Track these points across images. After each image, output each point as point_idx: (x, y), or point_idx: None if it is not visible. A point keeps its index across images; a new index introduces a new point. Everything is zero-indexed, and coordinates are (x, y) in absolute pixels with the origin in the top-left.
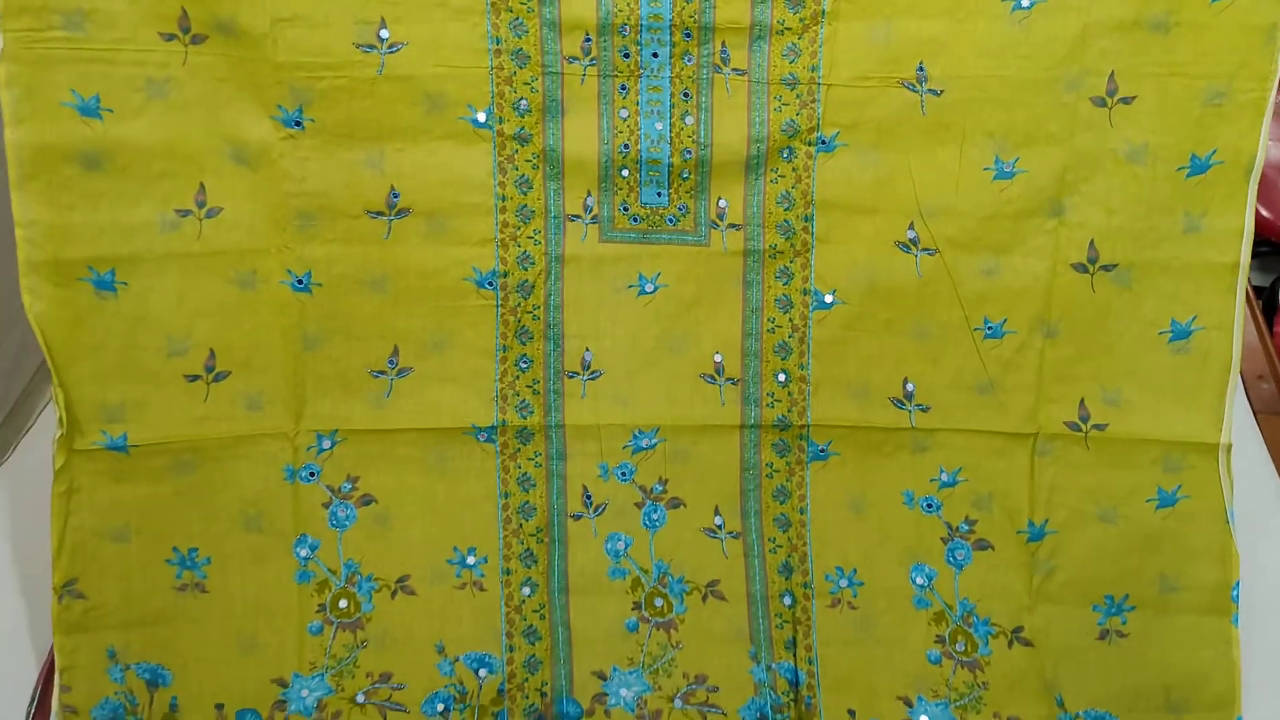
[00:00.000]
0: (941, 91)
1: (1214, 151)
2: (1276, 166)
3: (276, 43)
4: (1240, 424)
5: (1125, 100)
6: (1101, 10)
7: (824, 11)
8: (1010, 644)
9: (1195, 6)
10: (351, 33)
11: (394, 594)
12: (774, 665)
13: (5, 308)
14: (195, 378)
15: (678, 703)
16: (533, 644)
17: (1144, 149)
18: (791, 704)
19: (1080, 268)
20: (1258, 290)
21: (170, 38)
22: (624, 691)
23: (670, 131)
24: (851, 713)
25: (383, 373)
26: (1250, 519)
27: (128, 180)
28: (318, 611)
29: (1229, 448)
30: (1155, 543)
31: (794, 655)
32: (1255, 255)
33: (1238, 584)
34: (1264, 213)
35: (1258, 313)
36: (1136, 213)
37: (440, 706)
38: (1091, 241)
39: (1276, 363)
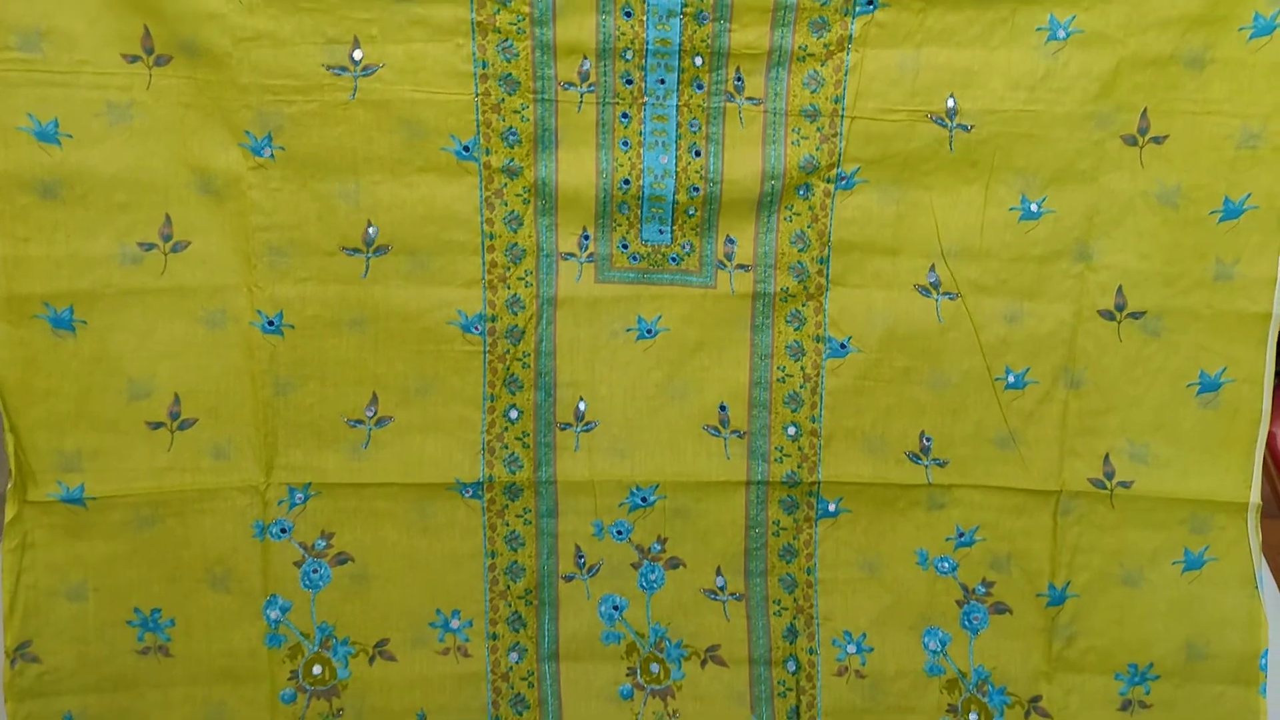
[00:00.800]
0: (972, 127)
1: (1248, 195)
2: None
3: (241, 63)
4: None
5: (1157, 139)
6: (1137, 43)
7: (851, 36)
8: (1027, 714)
9: (1232, 43)
10: (321, 53)
11: (372, 660)
12: None
13: None
14: (159, 425)
15: None
16: (520, 714)
17: (1176, 190)
18: None
19: (1107, 314)
20: None
21: (133, 59)
22: None
23: (676, 165)
24: None
25: (360, 422)
26: None
27: (88, 210)
28: (290, 679)
29: (1259, 508)
30: (1182, 608)
31: None
32: None
33: (1265, 652)
34: None
35: None
36: (1167, 258)
37: None
38: (1120, 287)
39: (1270, 466)
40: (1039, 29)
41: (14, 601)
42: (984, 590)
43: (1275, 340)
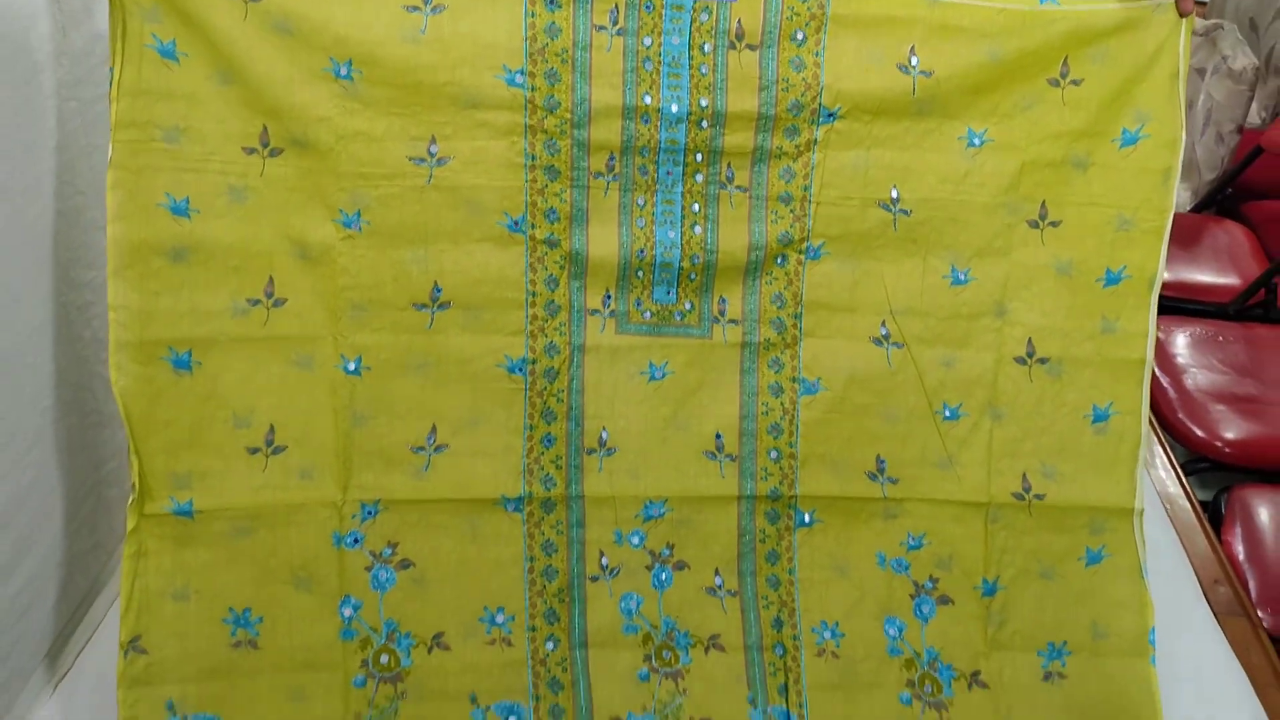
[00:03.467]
0: (911, 211)
1: (1124, 267)
2: (1208, 391)
3: (340, 155)
4: (1202, 627)
5: (1054, 224)
6: (1036, 150)
7: (816, 140)
8: (970, 686)
9: (1108, 151)
10: (405, 148)
11: (430, 650)
12: (769, 708)
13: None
14: (256, 450)
15: None
16: (556, 693)
17: (1070, 264)
18: None
19: (1020, 361)
20: (1204, 504)
21: (251, 151)
22: None
23: (681, 239)
24: None
25: (422, 448)
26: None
27: (208, 271)
28: (361, 667)
29: (1141, 512)
30: (1086, 595)
31: (786, 699)
32: (1195, 472)
33: (1153, 630)
34: (1199, 432)
35: (1206, 524)
36: (1064, 315)
37: None
38: (1029, 339)
39: (1228, 568)
40: (960, 138)
41: (129, 601)
42: (931, 585)
43: (1149, 379)
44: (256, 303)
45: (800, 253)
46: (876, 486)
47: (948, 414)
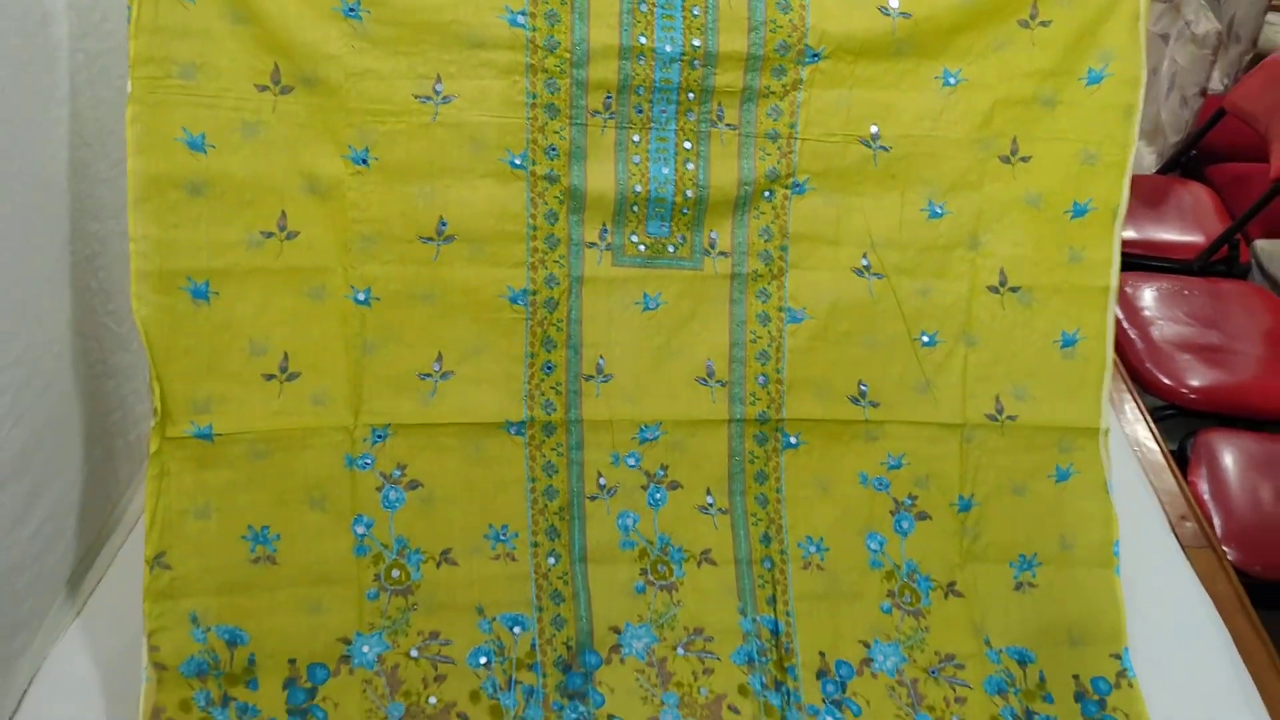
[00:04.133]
0: (889, 148)
1: (1090, 200)
2: (1174, 341)
3: (349, 93)
4: (1171, 559)
5: (1024, 159)
6: (1007, 88)
7: (801, 80)
8: (946, 596)
9: (1074, 90)
10: (412, 86)
11: (439, 565)
12: (758, 618)
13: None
14: (271, 377)
15: (680, 651)
16: (558, 605)
17: (1039, 197)
18: (773, 648)
19: (993, 289)
20: (1173, 451)
21: (263, 88)
22: (635, 643)
23: (675, 175)
24: (822, 654)
25: (429, 375)
26: (1189, 642)
27: (223, 205)
28: (374, 580)
29: (1107, 431)
30: (1055, 510)
31: (774, 609)
32: (1163, 418)
33: (1117, 542)
34: (1166, 381)
35: (1173, 465)
36: (1034, 246)
37: (483, 659)
38: (1001, 269)
39: (1195, 506)
40: (936, 77)
41: (153, 519)
42: (910, 502)
43: (1114, 306)
44: (270, 235)
45: (786, 188)
46: (858, 410)
47: (925, 340)
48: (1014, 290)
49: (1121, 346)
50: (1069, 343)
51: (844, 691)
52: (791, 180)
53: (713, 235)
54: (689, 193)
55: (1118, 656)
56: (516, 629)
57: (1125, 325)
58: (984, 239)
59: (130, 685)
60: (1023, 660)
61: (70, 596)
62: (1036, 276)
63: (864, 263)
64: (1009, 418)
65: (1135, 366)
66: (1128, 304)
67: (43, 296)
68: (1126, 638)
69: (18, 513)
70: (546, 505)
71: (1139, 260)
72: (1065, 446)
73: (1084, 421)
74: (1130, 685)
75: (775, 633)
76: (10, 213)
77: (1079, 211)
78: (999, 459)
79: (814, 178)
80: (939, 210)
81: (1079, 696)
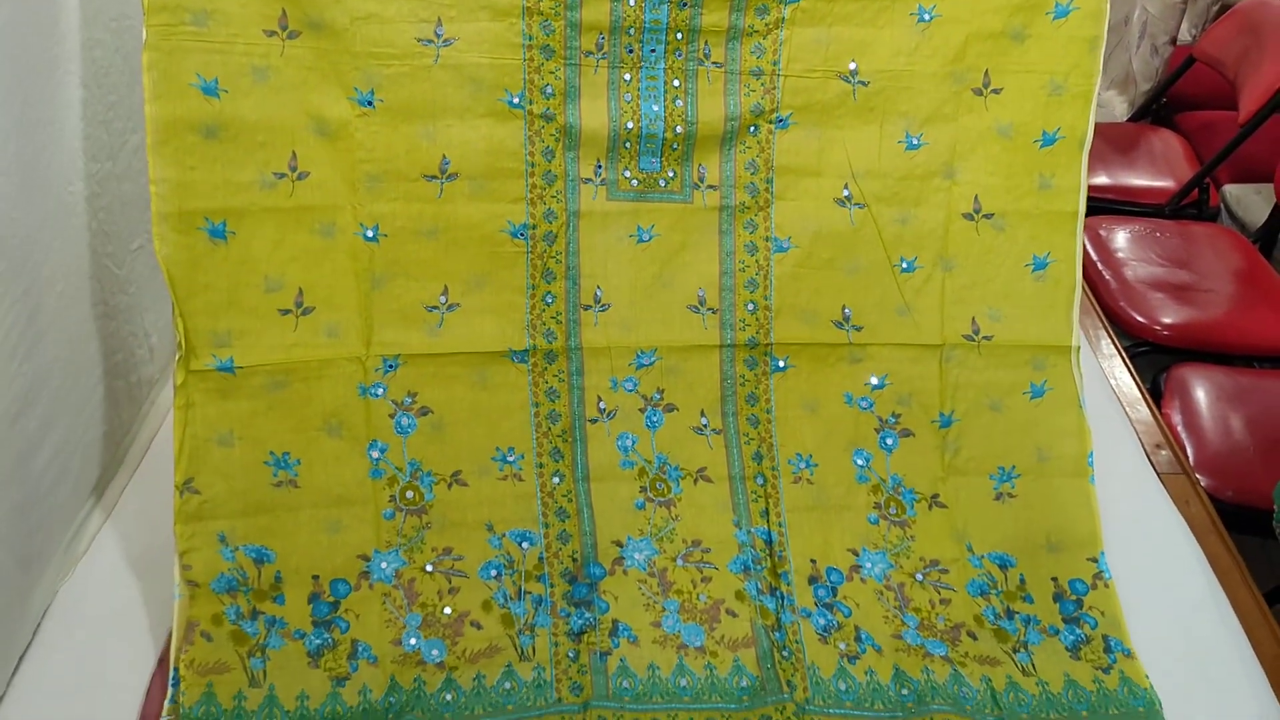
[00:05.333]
0: (868, 83)
1: (1058, 129)
2: (1146, 281)
3: (355, 37)
4: (1146, 485)
5: (996, 91)
6: (979, 23)
7: (783, 19)
8: (930, 507)
9: (1042, 23)
10: (414, 30)
11: (450, 486)
12: (752, 529)
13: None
14: (287, 311)
15: (679, 561)
16: (563, 521)
17: (1010, 127)
18: (767, 557)
19: (968, 216)
20: (1147, 386)
21: (271, 34)
22: (637, 555)
23: (665, 112)
24: (813, 561)
25: (435, 307)
26: (1160, 556)
27: (237, 147)
28: (389, 501)
29: (1078, 349)
30: (1031, 425)
31: (767, 521)
32: (1137, 355)
33: (1091, 453)
34: (1139, 318)
35: (1148, 397)
36: (1006, 174)
37: (493, 572)
38: (976, 196)
39: (1169, 435)
40: (911, 13)
41: (181, 447)
42: (894, 420)
43: (1082, 229)
44: (282, 176)
45: (771, 123)
46: (843, 334)
47: (904, 266)
48: (988, 217)
49: (1097, 286)
50: (1040, 265)
51: (835, 595)
52: (775, 115)
53: (701, 169)
54: (678, 129)
55: (1094, 560)
56: (524, 544)
57: (1100, 266)
58: (959, 168)
59: (139, 617)
60: (1004, 564)
61: (78, 533)
62: (1009, 203)
63: (845, 193)
64: (985, 338)
65: (1110, 305)
66: (1102, 246)
67: (45, 234)
68: (1102, 543)
69: (31, 445)
70: (550, 428)
71: (1112, 205)
72: (1039, 364)
73: (1056, 339)
74: (1106, 586)
75: (769, 543)
76: (13, 148)
77: (1048, 140)
78: (976, 377)
79: (796, 112)
80: (916, 142)
81: (1057, 597)
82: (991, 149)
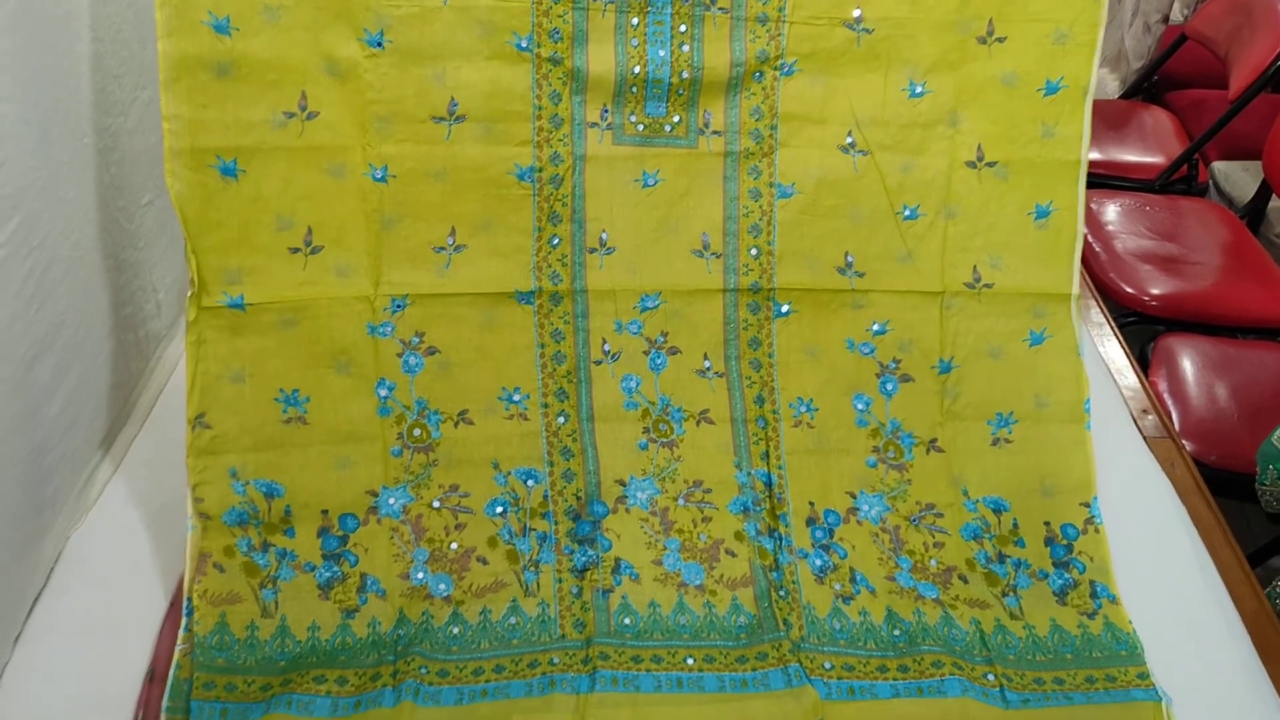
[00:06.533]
0: (872, 30)
1: (1062, 78)
2: (1136, 254)
3: None
4: (1133, 448)
5: (1000, 39)
6: None
7: None
8: (928, 451)
9: None
10: None
11: (456, 424)
12: (753, 471)
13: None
14: (297, 250)
15: (680, 501)
16: (568, 460)
17: (1014, 75)
18: (766, 499)
19: (971, 164)
20: (1135, 355)
21: None
22: (640, 494)
23: (671, 57)
24: (811, 504)
25: (443, 248)
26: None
27: (249, 86)
28: (397, 438)
29: (1078, 298)
30: (1030, 371)
31: (767, 463)
32: (1125, 325)
33: (1089, 400)
34: (1128, 289)
35: (1135, 364)
36: (1009, 123)
37: (499, 509)
38: (979, 145)
39: (1155, 402)
40: None
41: (193, 383)
42: (894, 365)
43: (1084, 178)
44: (292, 115)
45: (775, 69)
46: (845, 280)
47: (907, 214)
48: (990, 165)
49: (1087, 258)
50: (1042, 214)
51: (831, 537)
52: (780, 62)
53: (707, 115)
54: (684, 74)
55: (1086, 505)
56: (530, 482)
57: (1090, 239)
58: (962, 116)
59: (150, 564)
60: (998, 509)
61: (89, 482)
62: (1012, 152)
63: (849, 140)
64: (986, 285)
65: (1100, 276)
66: (1093, 219)
67: (59, 186)
68: (1096, 488)
69: (47, 390)
70: (555, 369)
71: (1103, 179)
72: (1039, 312)
73: (1056, 288)
74: (1097, 531)
75: (768, 485)
76: (30, 101)
77: (1051, 89)
78: (977, 324)
79: (801, 59)
80: (919, 90)
81: (1049, 541)
82: (995, 97)
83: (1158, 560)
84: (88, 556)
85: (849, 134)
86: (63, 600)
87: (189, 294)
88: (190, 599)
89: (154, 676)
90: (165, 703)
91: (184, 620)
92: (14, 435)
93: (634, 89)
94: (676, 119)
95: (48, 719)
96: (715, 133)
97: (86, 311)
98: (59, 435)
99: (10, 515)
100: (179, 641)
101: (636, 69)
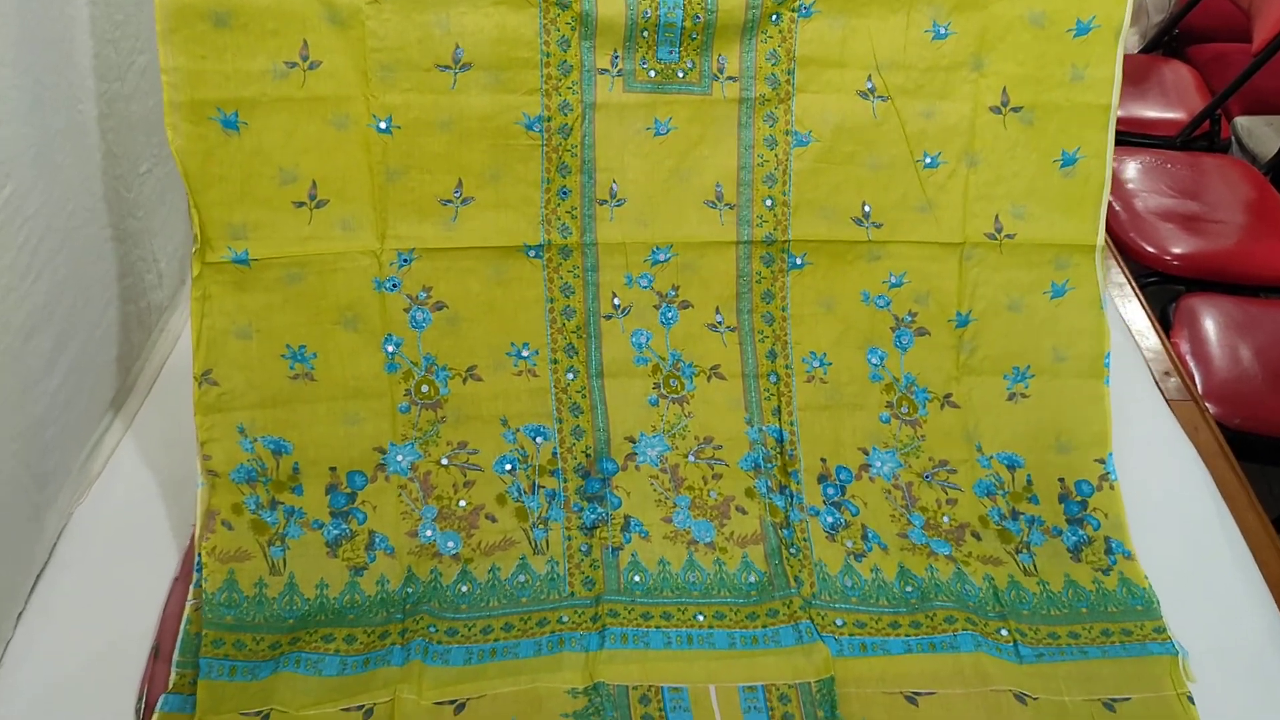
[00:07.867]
0: None
1: (1094, 18)
2: (1157, 212)
3: None
4: (1156, 411)
5: None
6: None
7: None
8: (942, 406)
9: None
10: None
11: (465, 380)
12: (764, 427)
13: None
14: (301, 204)
15: (691, 458)
16: (577, 417)
17: (1042, 15)
18: (778, 455)
19: (995, 110)
20: (1156, 315)
21: None
22: (650, 451)
23: None
24: (823, 460)
25: (450, 201)
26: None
27: (248, 36)
28: (405, 395)
29: (1102, 248)
30: (1050, 324)
31: (779, 419)
32: (1145, 286)
33: (1108, 354)
34: (1149, 249)
35: (1157, 325)
36: (1036, 65)
37: (507, 466)
38: (1004, 89)
39: (1177, 363)
40: None
41: (199, 339)
42: (910, 318)
43: (1114, 123)
44: (294, 65)
45: (793, 11)
46: (862, 230)
47: (928, 161)
48: (1016, 110)
49: (1108, 218)
50: (1069, 161)
51: (843, 494)
52: (798, 3)
53: (721, 60)
54: (698, 17)
55: (1101, 461)
56: (539, 439)
57: (1110, 198)
58: (987, 59)
59: (154, 537)
60: (1012, 465)
61: (92, 455)
62: (1038, 95)
63: (869, 85)
64: (1007, 236)
65: (1120, 235)
66: (1113, 178)
67: (56, 153)
68: (1111, 444)
69: (46, 363)
70: (565, 324)
71: (1123, 136)
72: (1062, 263)
73: (1081, 238)
74: (1111, 488)
75: (780, 441)
76: (23, 64)
77: (1082, 30)
78: (996, 276)
79: (819, 1)
80: (943, 31)
81: (1063, 498)
82: (1022, 38)
83: (1181, 525)
84: (91, 531)
85: (869, 78)
86: (66, 576)
87: (193, 249)
88: (200, 555)
89: (158, 653)
90: (175, 656)
91: (194, 576)
92: (12, 409)
93: (645, 33)
94: (690, 64)
95: (51, 696)
96: (730, 78)
97: (85, 282)
98: (60, 409)
99: (11, 489)
100: (189, 597)
101: (648, 12)
